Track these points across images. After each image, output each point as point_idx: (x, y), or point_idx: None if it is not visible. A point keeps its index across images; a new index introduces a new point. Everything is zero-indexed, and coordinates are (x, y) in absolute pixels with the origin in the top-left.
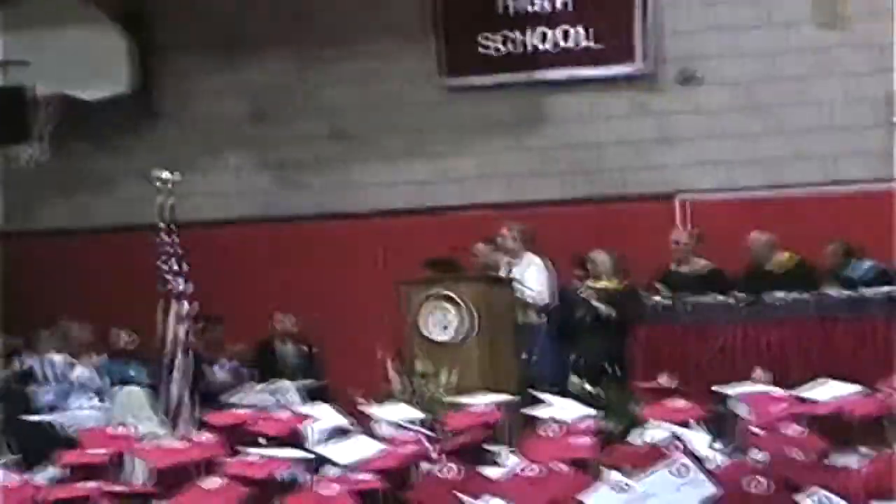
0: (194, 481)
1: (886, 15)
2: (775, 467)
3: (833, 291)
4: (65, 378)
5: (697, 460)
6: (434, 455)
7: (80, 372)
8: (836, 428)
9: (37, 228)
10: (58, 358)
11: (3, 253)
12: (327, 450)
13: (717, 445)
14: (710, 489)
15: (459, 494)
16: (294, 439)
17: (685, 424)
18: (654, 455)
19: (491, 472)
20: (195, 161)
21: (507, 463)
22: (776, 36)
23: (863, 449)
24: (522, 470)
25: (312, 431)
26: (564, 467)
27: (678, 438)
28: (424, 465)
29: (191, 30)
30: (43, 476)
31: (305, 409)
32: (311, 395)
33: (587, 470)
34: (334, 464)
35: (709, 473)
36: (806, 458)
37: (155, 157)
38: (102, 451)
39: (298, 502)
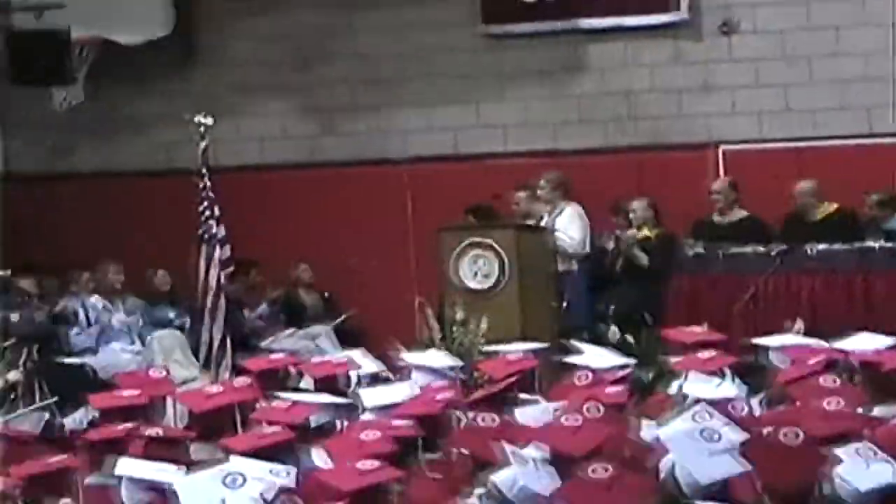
0: (238, 427)
1: None
2: (810, 418)
3: (873, 242)
4: (104, 321)
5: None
6: (467, 402)
7: (119, 315)
8: (873, 380)
9: (73, 171)
10: (97, 301)
11: (39, 194)
12: (363, 394)
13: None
14: (738, 436)
15: (499, 442)
16: (336, 385)
17: (718, 374)
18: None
19: (526, 419)
20: (233, 106)
21: (540, 410)
22: None
23: None
24: (559, 418)
25: (352, 377)
26: (598, 415)
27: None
28: (458, 413)
29: None
30: (77, 418)
31: (341, 354)
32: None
33: (621, 418)
34: (369, 408)
35: (741, 423)
36: (844, 410)
37: (192, 101)
38: (138, 393)
39: (338, 446)
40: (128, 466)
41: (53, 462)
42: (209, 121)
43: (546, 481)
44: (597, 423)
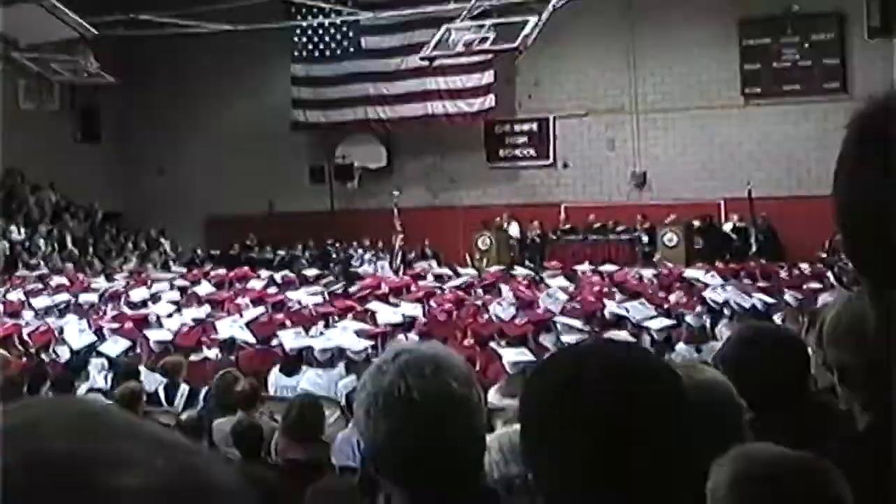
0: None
1: None
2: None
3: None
4: (364, 258)
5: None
6: (479, 285)
7: (368, 256)
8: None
9: (353, 209)
10: (361, 251)
11: (348, 218)
12: (450, 283)
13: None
14: (511, 311)
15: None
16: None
17: (562, 277)
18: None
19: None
20: (406, 185)
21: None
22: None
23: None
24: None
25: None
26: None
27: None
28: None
29: (410, 138)
30: (354, 289)
31: (440, 270)
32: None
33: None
34: (448, 286)
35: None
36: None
37: (392, 185)
38: (373, 280)
39: (434, 300)
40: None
41: (350, 302)
42: (397, 192)
43: (512, 310)
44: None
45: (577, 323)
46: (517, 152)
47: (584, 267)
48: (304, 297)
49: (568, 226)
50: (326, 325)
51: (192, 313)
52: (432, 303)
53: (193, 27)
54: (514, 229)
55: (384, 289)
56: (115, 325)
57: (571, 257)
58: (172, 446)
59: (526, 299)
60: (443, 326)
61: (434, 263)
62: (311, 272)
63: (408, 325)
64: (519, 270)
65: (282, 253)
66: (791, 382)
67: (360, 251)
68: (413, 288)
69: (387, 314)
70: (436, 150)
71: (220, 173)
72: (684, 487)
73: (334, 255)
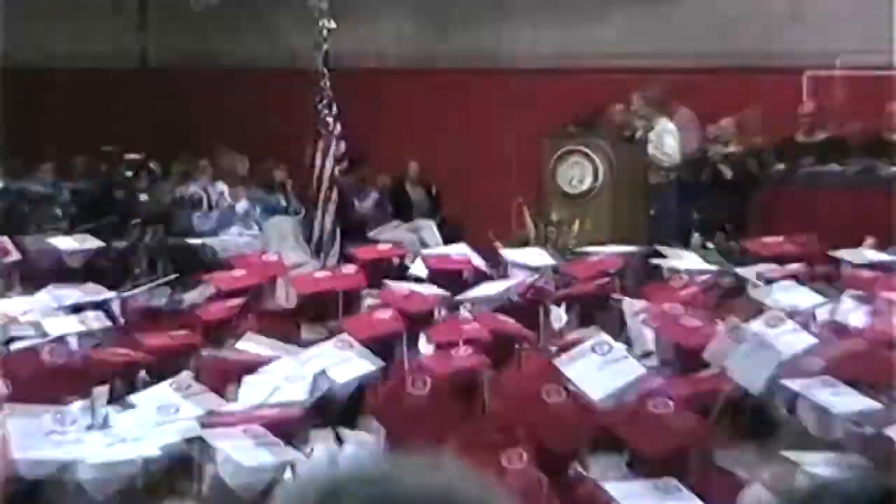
0: (340, 311)
1: None
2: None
3: None
4: (229, 207)
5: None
6: (556, 298)
7: (243, 203)
8: None
9: (208, 66)
10: (224, 188)
11: (176, 86)
12: (472, 291)
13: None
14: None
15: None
16: (455, 279)
17: (796, 283)
18: (752, 309)
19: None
20: (355, 11)
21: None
22: None
23: None
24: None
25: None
26: (682, 311)
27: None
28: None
29: None
30: (196, 295)
31: (446, 249)
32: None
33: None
34: (468, 300)
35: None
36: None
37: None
38: (252, 274)
39: (440, 335)
40: (247, 344)
41: (178, 336)
42: (333, 25)
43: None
44: (684, 325)
45: (836, 399)
46: None
47: (869, 252)
48: (55, 322)
49: (823, 135)
50: (131, 388)
51: None
52: (424, 346)
53: None
54: (665, 135)
55: (281, 300)
56: None
57: (826, 222)
58: None
59: (688, 342)
60: (442, 417)
61: (428, 230)
62: (71, 244)
63: (346, 407)
64: (672, 259)
65: None
66: None
67: (215, 187)
68: (369, 300)
69: (293, 374)
70: None
71: None
72: None
73: (148, 198)
